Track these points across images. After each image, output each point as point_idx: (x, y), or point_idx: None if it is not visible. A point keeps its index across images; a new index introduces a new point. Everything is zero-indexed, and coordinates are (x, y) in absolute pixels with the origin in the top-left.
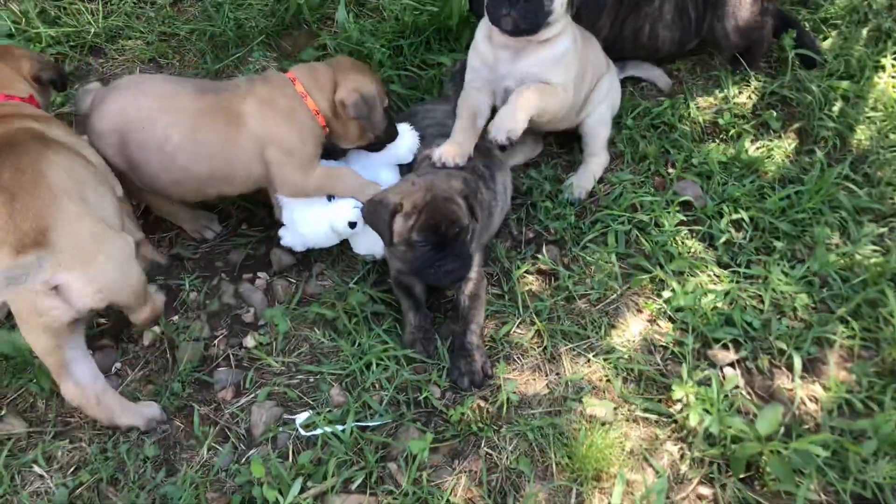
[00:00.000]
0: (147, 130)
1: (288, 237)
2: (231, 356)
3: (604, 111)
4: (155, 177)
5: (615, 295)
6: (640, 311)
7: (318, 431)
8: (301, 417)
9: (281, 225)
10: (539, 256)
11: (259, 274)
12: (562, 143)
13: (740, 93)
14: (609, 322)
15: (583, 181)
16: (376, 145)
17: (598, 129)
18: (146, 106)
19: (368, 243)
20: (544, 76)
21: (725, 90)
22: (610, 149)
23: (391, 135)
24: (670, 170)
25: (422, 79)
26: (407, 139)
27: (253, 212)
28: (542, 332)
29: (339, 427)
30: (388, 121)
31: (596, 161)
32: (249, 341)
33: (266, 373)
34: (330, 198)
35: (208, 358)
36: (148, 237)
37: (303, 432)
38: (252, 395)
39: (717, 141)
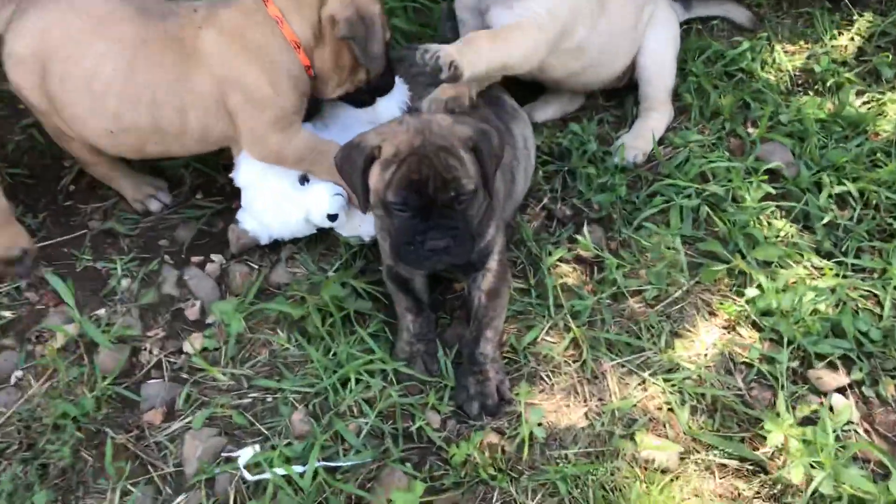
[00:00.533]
0: (73, 60)
1: (249, 223)
2: (166, 364)
3: (663, 50)
4: (82, 123)
5: (680, 292)
6: (713, 314)
7: (267, 476)
8: (244, 455)
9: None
10: (578, 238)
11: (212, 256)
12: (610, 93)
13: (840, 34)
14: (671, 329)
15: (638, 141)
16: (366, 94)
17: (657, 75)
18: (76, 27)
19: (353, 224)
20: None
21: (820, 30)
22: (674, 102)
23: (388, 82)
24: (750, 129)
25: (432, 12)
26: (397, 94)
27: (211, 177)
28: (580, 340)
29: (299, 468)
30: (387, 61)
31: (655, 116)
32: (191, 345)
33: (209, 388)
34: (303, 180)
35: (136, 366)
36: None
37: (247, 475)
38: (188, 419)
39: (811, 93)
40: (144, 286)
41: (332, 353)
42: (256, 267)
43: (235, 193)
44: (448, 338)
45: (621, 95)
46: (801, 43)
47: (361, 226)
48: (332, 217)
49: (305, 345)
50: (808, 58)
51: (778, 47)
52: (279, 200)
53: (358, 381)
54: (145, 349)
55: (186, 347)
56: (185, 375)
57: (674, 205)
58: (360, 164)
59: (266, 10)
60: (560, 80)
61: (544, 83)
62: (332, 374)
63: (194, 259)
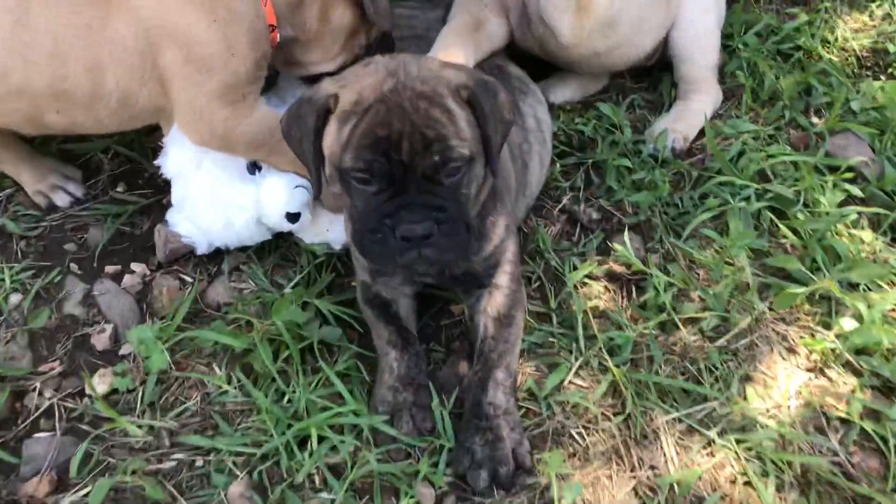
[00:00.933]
0: None
1: (183, 229)
2: (60, 411)
3: (703, 20)
4: None
5: (747, 322)
6: (793, 351)
7: None
8: None
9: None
10: (613, 248)
11: (133, 266)
12: (639, 72)
13: None
14: (740, 370)
15: (678, 124)
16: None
17: (697, 50)
18: None
19: (319, 226)
20: None
21: (888, 5)
22: (720, 82)
23: (389, 46)
24: (814, 119)
25: None
26: None
27: (136, 165)
28: (621, 385)
29: None
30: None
31: (699, 98)
32: (94, 387)
33: (117, 447)
34: (252, 168)
35: (19, 413)
36: None
37: None
38: (84, 491)
39: (884, 78)
40: (39, 304)
41: (286, 399)
42: (190, 280)
43: (168, 186)
44: (444, 379)
45: (652, 75)
46: (865, 19)
47: (330, 229)
48: (293, 217)
49: (251, 388)
50: (879, 37)
51: (840, 23)
52: (221, 196)
53: (322, 439)
54: (33, 390)
55: (90, 388)
56: (85, 427)
57: (731, 208)
58: (312, 122)
59: None
60: (580, 61)
61: (558, 64)
62: (285, 429)
63: (108, 269)
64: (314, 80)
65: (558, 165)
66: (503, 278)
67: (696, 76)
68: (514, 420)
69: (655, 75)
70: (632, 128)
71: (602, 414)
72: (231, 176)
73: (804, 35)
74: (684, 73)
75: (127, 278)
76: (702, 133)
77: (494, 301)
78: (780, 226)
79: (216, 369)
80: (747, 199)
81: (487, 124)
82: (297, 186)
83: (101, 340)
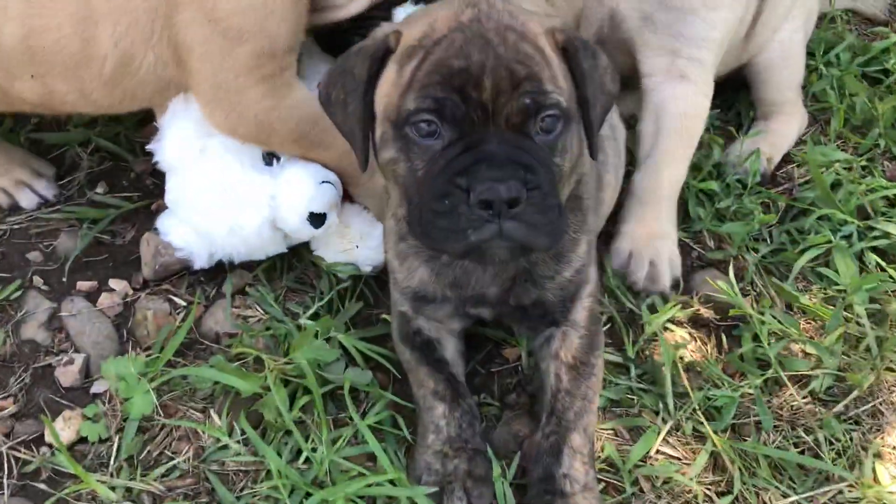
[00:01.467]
0: None
1: (178, 236)
2: (10, 462)
3: (792, 35)
4: None
5: (868, 381)
6: None
7: None
8: None
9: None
10: (698, 292)
11: (111, 283)
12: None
13: None
14: (867, 442)
15: (764, 146)
16: (383, 9)
17: (786, 65)
18: None
19: (346, 239)
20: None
21: None
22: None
23: None
24: None
25: None
26: None
27: (121, 162)
28: (723, 457)
29: None
30: None
31: (783, 119)
32: (60, 431)
33: None
34: (269, 158)
35: None
36: None
37: None
38: None
39: None
40: None
41: (303, 459)
42: (183, 304)
43: (158, 189)
44: (499, 442)
45: (725, 93)
46: None
47: (359, 244)
48: (317, 219)
49: (259, 442)
50: None
51: None
52: (229, 190)
53: None
54: None
55: (52, 435)
56: (41, 486)
57: (836, 247)
58: (364, 71)
59: None
60: None
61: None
62: (303, 498)
63: (81, 285)
64: (340, 39)
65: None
66: (581, 314)
67: (780, 96)
68: (596, 498)
69: (729, 94)
70: (714, 145)
71: (704, 493)
72: (243, 164)
73: (894, 56)
74: (767, 93)
75: (104, 298)
76: (785, 160)
77: (570, 343)
78: (890, 271)
79: (214, 417)
80: (849, 237)
81: (587, 84)
82: (323, 182)
83: (67, 374)
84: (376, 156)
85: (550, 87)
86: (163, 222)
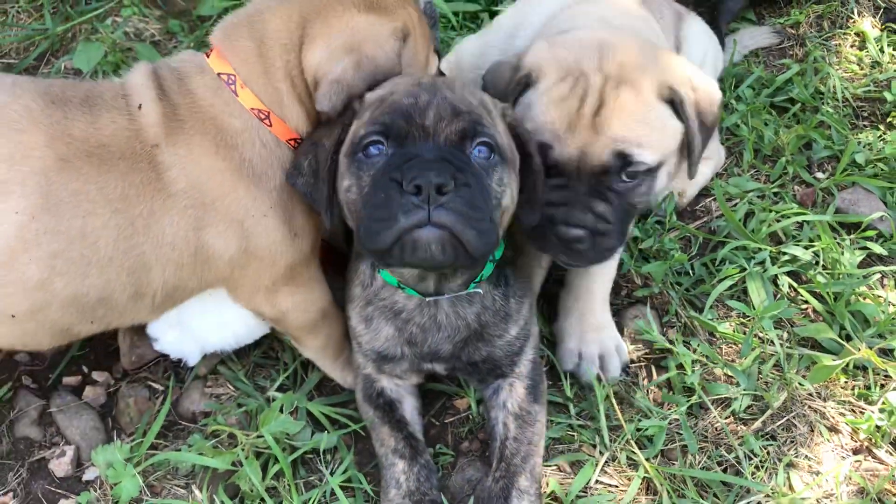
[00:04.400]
0: None
1: (170, 341)
2: None
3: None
4: None
5: (781, 399)
6: (835, 430)
7: None
8: None
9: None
10: (627, 328)
11: (95, 374)
12: None
13: None
14: (781, 454)
15: (676, 182)
16: None
17: None
18: None
19: None
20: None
21: (875, 52)
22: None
23: None
24: (818, 174)
25: None
26: None
27: None
28: (656, 482)
29: None
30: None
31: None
32: None
33: None
34: None
35: None
36: None
37: None
38: None
39: (882, 127)
40: None
41: None
42: (161, 388)
43: None
44: (455, 488)
45: None
46: (854, 68)
47: None
48: None
49: None
50: (873, 84)
51: (831, 72)
52: (218, 299)
53: None
54: None
55: None
56: None
57: (750, 275)
58: (334, 138)
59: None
60: None
61: None
62: None
63: (67, 380)
64: None
65: None
66: (525, 367)
67: None
68: None
69: None
70: None
71: None
72: None
73: (798, 86)
74: None
75: (88, 390)
76: (704, 194)
77: (516, 394)
78: (801, 291)
79: (196, 492)
80: (762, 263)
81: (526, 141)
82: None
83: (60, 466)
84: (340, 204)
85: (488, 124)
86: (153, 328)
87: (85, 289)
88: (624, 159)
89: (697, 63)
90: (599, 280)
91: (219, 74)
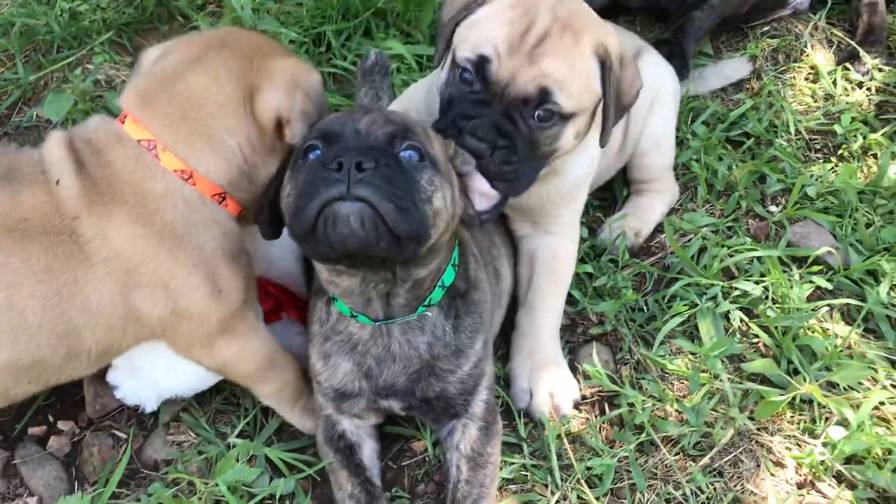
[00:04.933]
0: None
1: (128, 388)
2: None
3: (662, 127)
4: None
5: (729, 435)
6: (780, 464)
7: None
8: None
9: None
10: (579, 365)
11: (60, 424)
12: None
13: (852, 88)
14: (728, 490)
15: (631, 220)
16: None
17: (657, 153)
18: None
19: None
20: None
21: (828, 85)
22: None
23: None
24: (772, 208)
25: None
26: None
27: None
28: None
29: None
30: None
31: (653, 193)
32: None
33: None
34: None
35: None
36: None
37: None
38: None
39: (834, 160)
40: None
41: None
42: (123, 437)
43: None
44: None
45: None
46: (809, 101)
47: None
48: None
49: None
50: (826, 118)
51: (786, 106)
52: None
53: None
54: None
55: None
56: None
57: (700, 311)
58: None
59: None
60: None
61: None
62: None
63: (32, 430)
64: None
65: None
66: (479, 407)
67: (651, 176)
68: None
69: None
70: (589, 226)
71: None
72: None
73: (752, 120)
74: (639, 173)
75: (53, 440)
76: (659, 230)
77: (468, 435)
78: (752, 325)
79: None
80: (714, 298)
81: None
82: None
83: None
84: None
85: (421, 137)
86: (112, 377)
87: (17, 355)
88: (544, 95)
89: (651, 96)
90: (547, 318)
91: (139, 141)
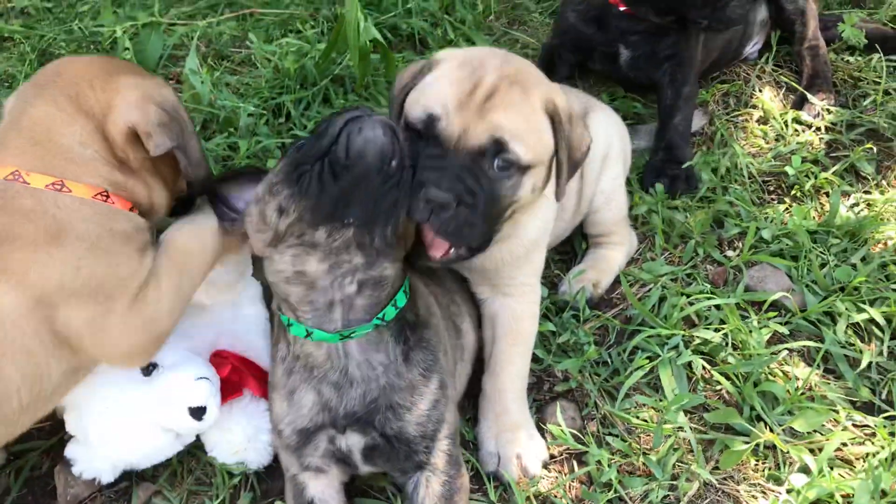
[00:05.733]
0: None
1: (84, 460)
2: None
3: (614, 178)
4: None
5: (695, 487)
6: None
7: None
8: None
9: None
10: (545, 426)
11: None
12: None
13: (802, 129)
14: None
15: (591, 273)
16: (189, 199)
17: (609, 208)
18: None
19: (234, 439)
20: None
21: (779, 126)
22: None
23: (209, 174)
24: (729, 252)
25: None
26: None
27: None
28: None
29: None
30: (202, 153)
31: (611, 245)
32: None
33: None
34: (147, 369)
35: None
36: None
37: None
38: None
39: (788, 200)
40: None
41: None
42: None
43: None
44: None
45: None
46: (761, 143)
47: (247, 445)
48: (197, 412)
49: None
50: (777, 159)
51: (738, 149)
52: (117, 411)
53: None
54: None
55: None
56: None
57: (662, 362)
58: None
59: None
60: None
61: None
62: None
63: None
64: None
65: None
66: (440, 458)
67: (607, 230)
68: None
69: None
70: (550, 282)
71: None
72: (124, 385)
73: (705, 169)
74: (594, 228)
75: None
76: (619, 281)
77: (432, 491)
78: (713, 373)
79: None
80: (676, 347)
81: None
82: (199, 378)
83: None
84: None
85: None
86: (70, 451)
87: None
88: (499, 146)
89: (601, 154)
90: (511, 381)
91: (5, 179)
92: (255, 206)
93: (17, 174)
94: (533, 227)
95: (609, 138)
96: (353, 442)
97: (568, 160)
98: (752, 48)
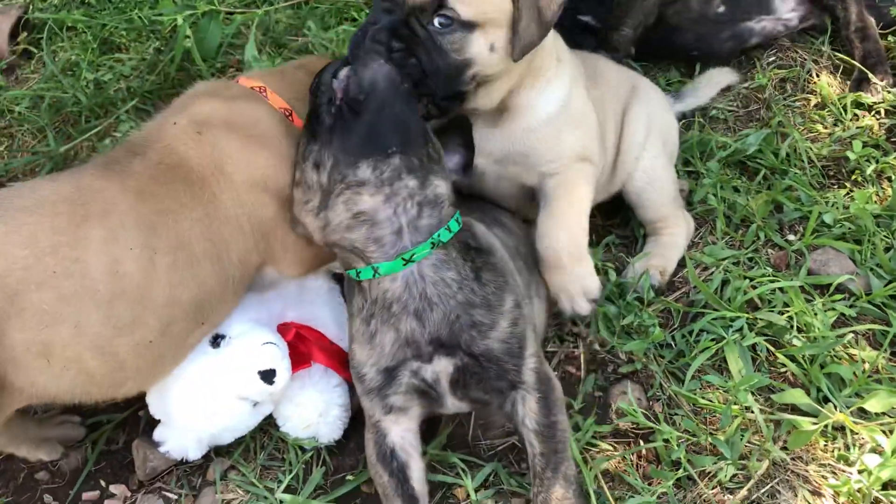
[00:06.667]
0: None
1: (171, 439)
2: None
3: (655, 157)
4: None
5: (765, 466)
6: (818, 493)
7: None
8: None
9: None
10: (615, 405)
11: (112, 488)
12: (608, 208)
13: (861, 114)
14: None
15: (654, 259)
16: None
17: (654, 188)
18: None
19: (305, 414)
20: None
21: (838, 111)
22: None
23: None
24: (790, 237)
25: None
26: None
27: None
28: None
29: None
30: None
31: (669, 231)
32: None
33: None
34: (215, 341)
35: None
36: None
37: None
38: None
39: (848, 185)
40: None
41: None
42: (174, 497)
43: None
44: None
45: (622, 211)
46: (819, 127)
47: (318, 419)
48: (267, 375)
49: None
50: (837, 143)
51: (796, 133)
52: (193, 386)
53: None
54: None
55: None
56: None
57: (727, 345)
58: None
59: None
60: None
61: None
62: None
63: (86, 496)
64: None
65: None
66: (529, 377)
67: (659, 214)
68: None
69: (624, 212)
70: (615, 267)
71: None
72: (196, 360)
73: (766, 154)
74: (646, 214)
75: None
76: (682, 265)
77: (529, 408)
78: (779, 355)
79: None
80: (740, 330)
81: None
82: (266, 343)
83: None
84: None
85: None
86: (158, 433)
87: (196, 289)
88: (440, 2)
89: (641, 138)
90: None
91: (251, 88)
92: (296, 187)
93: (263, 90)
94: (547, 99)
95: (652, 116)
96: (441, 368)
97: (537, 19)
98: (787, 10)
